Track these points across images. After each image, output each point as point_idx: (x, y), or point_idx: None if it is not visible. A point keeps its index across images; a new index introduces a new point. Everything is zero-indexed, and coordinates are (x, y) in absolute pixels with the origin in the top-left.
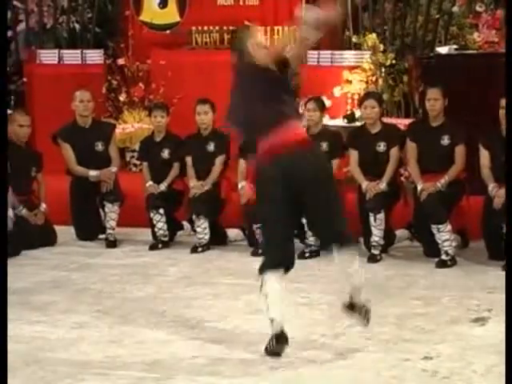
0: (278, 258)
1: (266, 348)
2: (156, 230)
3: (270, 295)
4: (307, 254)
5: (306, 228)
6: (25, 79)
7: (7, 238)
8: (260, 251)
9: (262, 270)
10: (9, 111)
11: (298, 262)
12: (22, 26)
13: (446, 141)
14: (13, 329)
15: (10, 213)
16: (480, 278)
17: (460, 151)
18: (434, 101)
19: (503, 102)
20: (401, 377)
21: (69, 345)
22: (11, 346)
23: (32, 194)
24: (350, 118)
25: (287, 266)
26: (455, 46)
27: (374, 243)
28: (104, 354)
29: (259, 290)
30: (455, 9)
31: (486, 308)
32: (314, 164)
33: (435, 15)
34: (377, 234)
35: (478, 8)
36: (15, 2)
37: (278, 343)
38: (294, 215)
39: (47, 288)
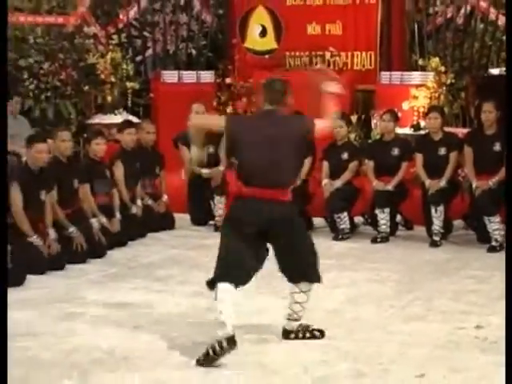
0: (234, 274)
1: (214, 348)
2: None
3: (224, 302)
4: (379, 239)
5: (378, 218)
6: (151, 95)
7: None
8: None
9: (214, 282)
10: (138, 120)
11: (371, 246)
12: (149, 52)
13: (497, 147)
14: (141, 295)
15: (139, 202)
16: None
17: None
18: (489, 113)
19: None
20: (456, 341)
21: (185, 309)
22: (141, 310)
23: (156, 188)
24: (416, 127)
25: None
26: (505, 68)
27: (435, 231)
28: (215, 319)
29: (214, 296)
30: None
31: None
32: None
33: (489, 42)
34: (437, 224)
35: None
36: (145, 33)
37: (228, 345)
38: (259, 247)
39: (168, 263)
